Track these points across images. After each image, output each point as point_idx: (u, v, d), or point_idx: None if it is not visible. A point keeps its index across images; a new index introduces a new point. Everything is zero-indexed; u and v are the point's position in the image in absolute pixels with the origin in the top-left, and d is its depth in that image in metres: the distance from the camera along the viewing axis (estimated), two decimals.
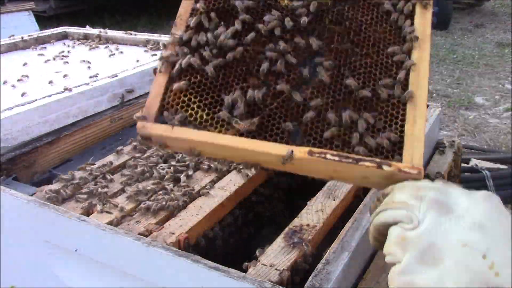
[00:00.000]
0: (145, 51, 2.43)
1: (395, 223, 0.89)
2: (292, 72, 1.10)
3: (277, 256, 1.08)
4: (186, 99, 1.08)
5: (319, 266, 1.03)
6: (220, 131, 1.04)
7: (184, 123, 1.06)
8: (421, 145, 1.01)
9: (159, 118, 1.09)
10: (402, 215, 0.88)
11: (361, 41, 1.13)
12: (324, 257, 1.06)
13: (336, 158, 0.99)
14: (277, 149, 1.01)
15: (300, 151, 1.00)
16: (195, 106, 1.07)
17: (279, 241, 1.13)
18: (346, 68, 1.10)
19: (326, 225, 1.21)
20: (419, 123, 1.03)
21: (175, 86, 1.09)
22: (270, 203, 1.64)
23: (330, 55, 1.11)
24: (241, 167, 1.45)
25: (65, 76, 2.03)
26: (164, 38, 2.54)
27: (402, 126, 1.04)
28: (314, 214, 1.23)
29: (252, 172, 1.44)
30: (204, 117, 1.06)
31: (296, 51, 1.12)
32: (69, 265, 1.32)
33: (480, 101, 5.26)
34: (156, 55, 2.29)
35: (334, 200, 1.29)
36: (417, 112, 1.04)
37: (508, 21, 8.32)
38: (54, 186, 1.40)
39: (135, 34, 2.63)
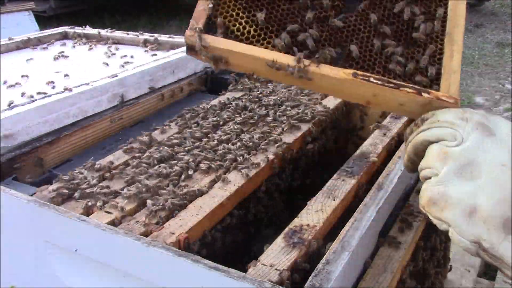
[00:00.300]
0: (145, 51, 2.43)
1: (437, 141, 0.95)
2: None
3: (277, 256, 1.08)
4: (234, 13, 1.13)
5: (319, 266, 1.03)
6: (266, 47, 1.10)
7: (229, 35, 1.12)
8: (457, 77, 1.08)
9: (207, 29, 1.13)
10: (446, 133, 0.94)
11: None
12: (324, 257, 1.06)
13: (379, 82, 1.05)
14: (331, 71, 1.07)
15: (345, 72, 1.06)
16: (243, 21, 1.12)
17: (279, 241, 1.13)
18: (388, 1, 1.16)
19: (326, 225, 1.21)
20: (456, 57, 1.10)
21: None
22: (270, 203, 1.64)
23: None
24: (240, 167, 1.45)
25: (65, 76, 2.03)
26: (165, 38, 2.54)
27: (440, 59, 1.11)
28: (314, 214, 1.23)
29: (252, 172, 1.44)
30: (252, 32, 1.11)
31: None
32: (69, 265, 1.32)
33: (480, 101, 5.26)
34: (156, 55, 2.29)
35: (334, 200, 1.29)
36: (454, 47, 1.11)
37: (508, 21, 8.32)
38: (54, 186, 1.40)
39: (140, 34, 2.62)
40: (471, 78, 5.98)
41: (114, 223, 1.23)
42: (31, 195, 1.35)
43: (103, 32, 2.70)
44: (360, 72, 1.06)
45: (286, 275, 1.02)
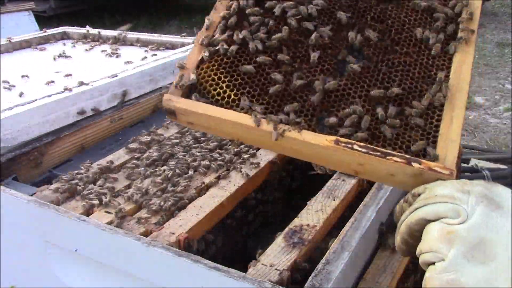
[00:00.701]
0: (145, 51, 2.43)
1: (436, 220, 0.83)
2: (328, 63, 1.10)
3: (277, 256, 1.08)
4: (216, 77, 1.09)
5: (319, 266, 1.03)
6: (246, 113, 1.04)
7: (210, 100, 1.08)
8: (455, 146, 0.98)
9: (187, 94, 1.10)
10: (447, 209, 0.82)
11: (402, 40, 1.13)
12: (324, 257, 1.06)
13: (363, 150, 0.97)
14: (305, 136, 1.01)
15: (327, 139, 0.99)
16: (224, 85, 1.08)
17: (279, 241, 1.13)
18: (384, 64, 1.09)
19: (326, 225, 1.21)
20: (456, 124, 1.00)
21: (207, 64, 1.10)
22: (270, 203, 1.64)
23: (369, 51, 1.11)
24: (240, 167, 1.45)
25: (65, 76, 2.03)
26: (165, 38, 2.54)
27: (438, 126, 1.02)
28: (314, 214, 1.23)
29: (252, 172, 1.44)
30: (232, 96, 1.07)
31: (335, 45, 1.12)
32: (69, 265, 1.31)
33: (480, 101, 5.26)
34: (156, 55, 2.28)
35: (334, 200, 1.29)
36: (454, 113, 1.02)
37: (508, 21, 8.32)
38: (54, 186, 1.40)
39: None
40: (471, 78, 5.97)
41: (114, 223, 1.23)
42: (31, 195, 1.34)
43: (108, 32, 2.70)
44: (343, 139, 0.98)
45: (286, 275, 1.02)
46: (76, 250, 1.25)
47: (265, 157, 1.52)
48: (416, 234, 0.87)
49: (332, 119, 1.03)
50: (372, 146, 0.98)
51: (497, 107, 5.09)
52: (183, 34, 2.59)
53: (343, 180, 1.38)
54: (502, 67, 6.33)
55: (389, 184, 1.14)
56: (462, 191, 0.84)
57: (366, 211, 1.23)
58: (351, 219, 1.19)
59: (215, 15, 1.17)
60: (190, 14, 8.88)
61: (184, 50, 2.24)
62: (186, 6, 9.42)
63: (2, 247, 1.44)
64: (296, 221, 1.20)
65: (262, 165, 1.48)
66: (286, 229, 1.17)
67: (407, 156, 0.96)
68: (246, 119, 1.03)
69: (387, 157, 0.95)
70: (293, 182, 1.75)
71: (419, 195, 0.90)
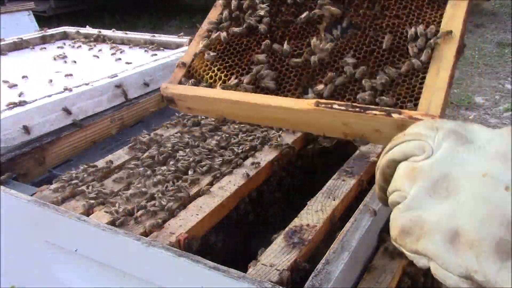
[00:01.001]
0: (145, 51, 2.43)
1: (405, 159, 0.79)
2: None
3: (277, 256, 1.08)
4: (208, 63, 1.18)
5: (319, 266, 1.03)
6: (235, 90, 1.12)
7: (204, 85, 1.18)
8: (441, 95, 0.94)
9: (182, 82, 1.20)
10: (413, 146, 0.78)
11: (392, 4, 1.13)
12: (324, 257, 1.06)
13: (343, 108, 0.96)
14: (288, 102, 1.04)
15: (308, 103, 1.00)
16: (215, 68, 1.16)
17: (279, 241, 1.13)
18: (372, 29, 1.10)
19: (326, 225, 1.21)
20: (442, 74, 0.97)
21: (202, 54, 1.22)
22: (270, 203, 1.64)
23: (357, 19, 1.12)
24: (240, 166, 1.45)
25: (65, 76, 2.03)
26: (165, 38, 2.54)
27: (423, 78, 0.99)
28: (314, 214, 1.23)
29: (252, 171, 1.44)
30: (222, 78, 1.15)
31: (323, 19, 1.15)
32: (69, 265, 1.32)
33: (480, 101, 5.26)
34: (156, 54, 2.28)
35: (334, 200, 1.29)
36: (442, 64, 0.99)
37: (508, 21, 8.33)
38: (54, 186, 1.40)
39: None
40: (471, 78, 5.98)
41: (113, 223, 1.23)
42: (31, 195, 1.34)
43: (108, 32, 2.70)
44: (322, 100, 0.98)
45: (286, 275, 1.02)
46: (76, 250, 1.25)
47: (265, 157, 1.52)
48: (389, 179, 0.83)
49: (320, 86, 1.04)
50: (350, 103, 0.97)
51: (497, 107, 5.09)
52: (181, 34, 2.59)
53: (343, 180, 1.38)
54: (502, 67, 6.33)
55: (380, 143, 1.10)
56: (431, 128, 0.80)
57: (366, 210, 1.23)
58: (351, 219, 1.19)
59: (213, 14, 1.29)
60: (190, 14, 8.89)
61: (184, 50, 2.24)
62: (186, 6, 9.42)
63: (2, 247, 1.44)
64: (296, 221, 1.20)
65: (262, 165, 1.48)
66: (286, 229, 1.17)
67: (386, 108, 0.95)
68: (235, 95, 1.08)
69: (367, 112, 0.95)
70: (293, 182, 1.75)
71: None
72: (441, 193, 0.72)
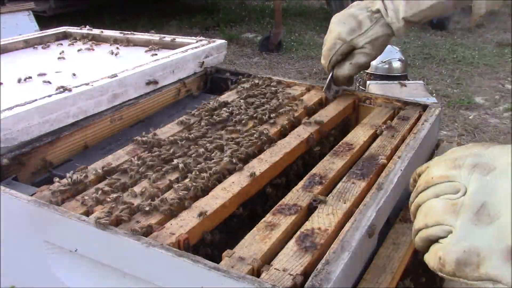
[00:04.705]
0: (145, 51, 2.43)
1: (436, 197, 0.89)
2: None
3: (289, 260, 1.07)
4: None
5: (319, 266, 1.03)
6: None
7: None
8: None
9: None
10: (445, 187, 0.88)
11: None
12: (324, 257, 1.06)
13: None
14: None
15: None
16: None
17: (291, 245, 1.12)
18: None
19: (338, 229, 1.20)
20: None
21: None
22: (273, 203, 1.63)
23: None
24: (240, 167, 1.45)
25: (65, 76, 2.02)
26: (164, 38, 2.54)
27: None
28: (325, 217, 1.22)
29: (255, 173, 1.43)
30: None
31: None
32: (69, 265, 1.31)
33: (480, 101, 5.26)
34: (156, 54, 2.28)
35: (345, 203, 1.28)
36: None
37: (508, 21, 8.33)
38: (54, 186, 1.40)
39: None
40: (471, 78, 5.98)
41: (113, 223, 1.23)
42: (31, 195, 1.34)
43: (108, 32, 2.70)
44: None
45: (300, 280, 1.01)
46: (76, 250, 1.25)
47: (270, 158, 1.51)
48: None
49: None
50: None
51: (497, 107, 5.09)
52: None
53: (353, 183, 1.37)
54: (502, 67, 6.33)
55: None
56: (454, 167, 0.89)
57: (366, 211, 1.23)
58: (351, 219, 1.19)
59: None
60: (190, 14, 8.88)
61: (184, 50, 2.24)
62: (186, 6, 9.41)
63: (2, 247, 1.44)
64: (308, 225, 1.19)
65: (266, 166, 1.47)
66: (298, 232, 1.16)
67: None
68: None
69: None
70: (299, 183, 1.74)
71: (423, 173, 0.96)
72: (484, 220, 0.81)
